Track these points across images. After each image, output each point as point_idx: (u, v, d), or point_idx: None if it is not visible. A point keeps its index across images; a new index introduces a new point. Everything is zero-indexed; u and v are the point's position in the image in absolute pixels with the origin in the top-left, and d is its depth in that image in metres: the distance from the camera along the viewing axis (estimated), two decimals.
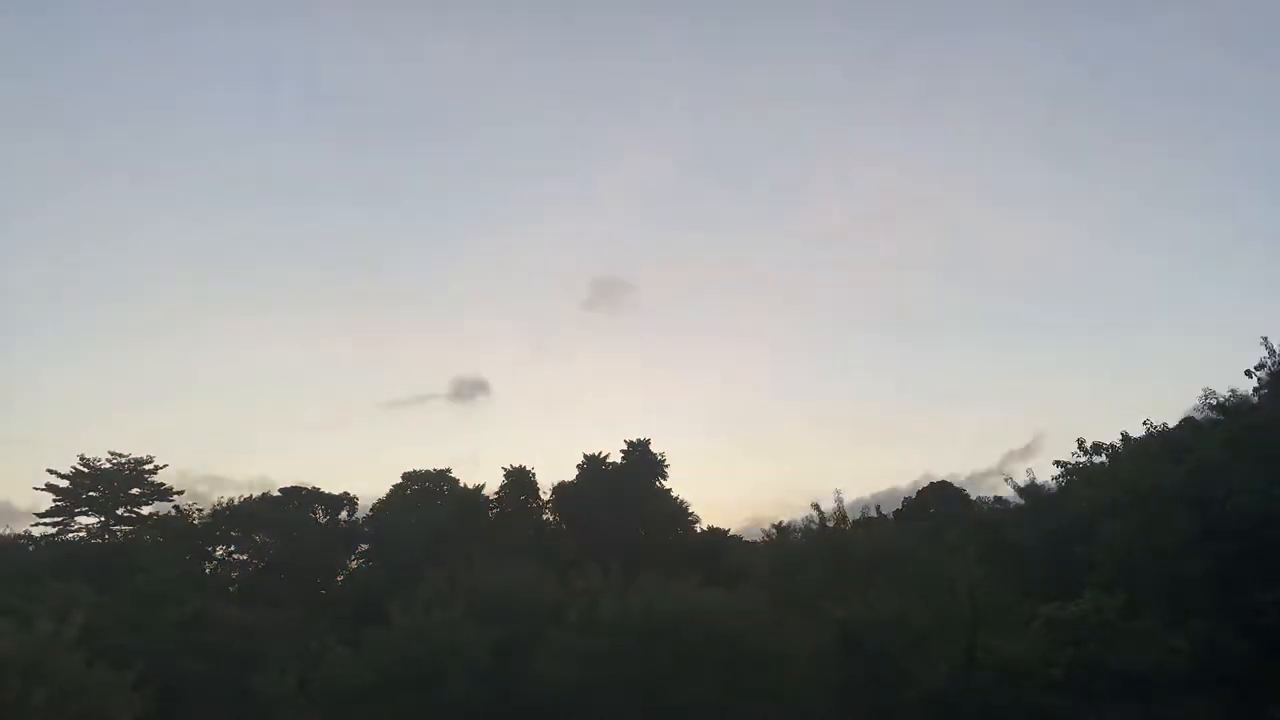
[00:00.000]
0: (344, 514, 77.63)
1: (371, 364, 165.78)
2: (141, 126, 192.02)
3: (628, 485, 72.47)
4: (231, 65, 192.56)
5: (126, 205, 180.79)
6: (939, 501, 77.32)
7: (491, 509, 76.71)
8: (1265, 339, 44.25)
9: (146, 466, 70.70)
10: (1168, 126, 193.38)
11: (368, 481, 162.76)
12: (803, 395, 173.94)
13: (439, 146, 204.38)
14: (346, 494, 77.94)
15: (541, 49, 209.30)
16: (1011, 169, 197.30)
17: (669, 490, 74.60)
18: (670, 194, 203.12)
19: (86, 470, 68.96)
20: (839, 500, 54.50)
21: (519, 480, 76.89)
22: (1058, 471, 56.22)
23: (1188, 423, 48.79)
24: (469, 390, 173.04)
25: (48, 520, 68.48)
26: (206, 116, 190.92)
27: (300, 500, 76.47)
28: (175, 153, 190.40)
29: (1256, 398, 43.78)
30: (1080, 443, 56.42)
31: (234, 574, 72.79)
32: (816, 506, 54.62)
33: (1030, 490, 53.50)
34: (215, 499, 76.28)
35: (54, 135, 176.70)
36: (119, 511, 69.98)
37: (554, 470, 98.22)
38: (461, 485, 77.81)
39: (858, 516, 55.42)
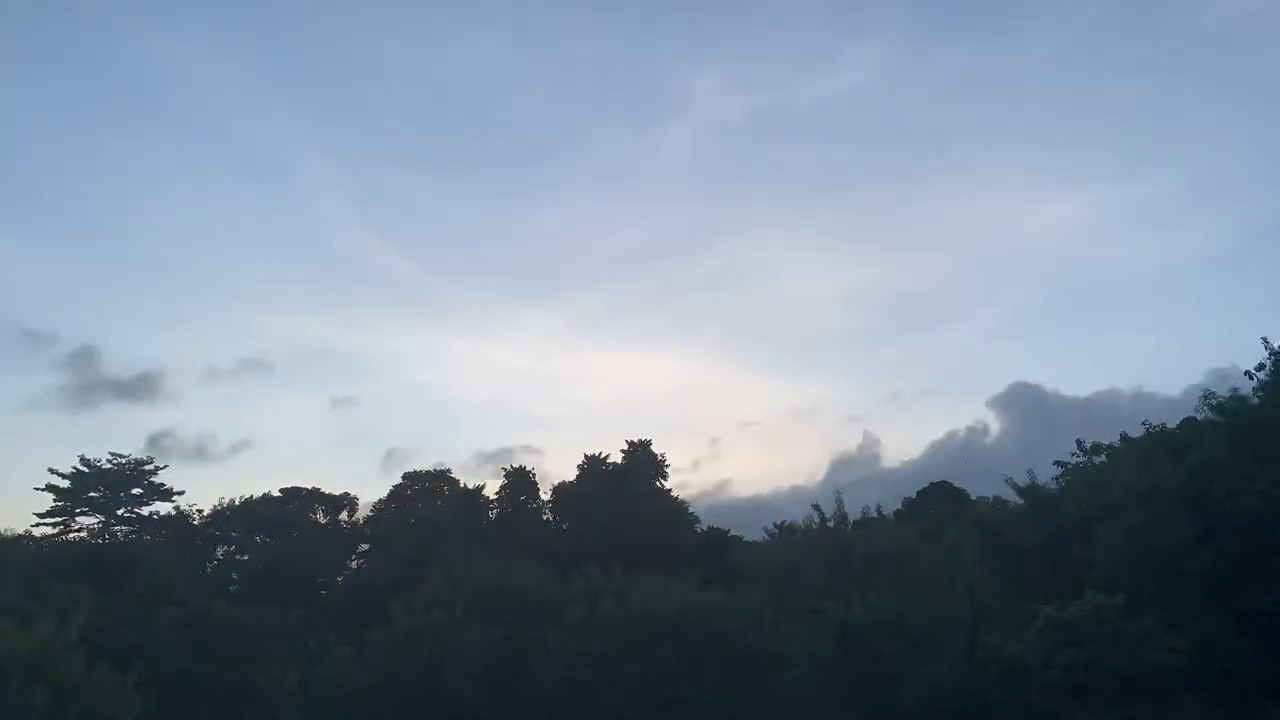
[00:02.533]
0: (344, 514, 77.80)
1: None
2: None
3: (628, 485, 72.51)
4: None
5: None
6: (939, 501, 77.32)
7: (491, 509, 76.84)
8: (1265, 339, 44.12)
9: (146, 466, 70.78)
10: None
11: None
12: None
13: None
14: (346, 494, 78.24)
15: None
16: None
17: (669, 490, 74.78)
18: None
19: (86, 470, 68.98)
20: (839, 500, 54.49)
21: (519, 480, 77.02)
22: (1058, 471, 56.42)
23: (1188, 423, 48.69)
24: None
25: (48, 520, 68.55)
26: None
27: (300, 500, 76.60)
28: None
29: (1256, 398, 43.61)
30: (1080, 443, 56.66)
31: (234, 574, 72.85)
32: (817, 507, 54.59)
33: (1030, 490, 53.51)
34: (215, 499, 76.34)
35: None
36: (119, 511, 70.05)
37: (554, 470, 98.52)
38: (461, 485, 78.06)
39: (858, 516, 55.33)
